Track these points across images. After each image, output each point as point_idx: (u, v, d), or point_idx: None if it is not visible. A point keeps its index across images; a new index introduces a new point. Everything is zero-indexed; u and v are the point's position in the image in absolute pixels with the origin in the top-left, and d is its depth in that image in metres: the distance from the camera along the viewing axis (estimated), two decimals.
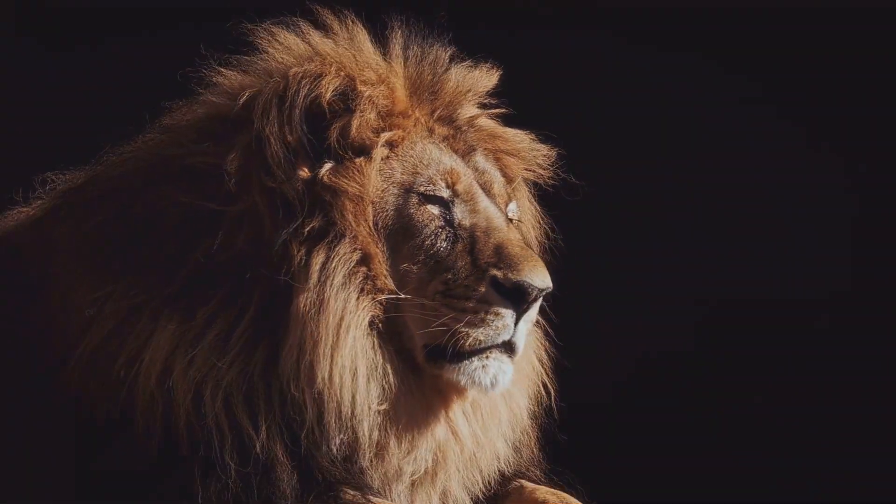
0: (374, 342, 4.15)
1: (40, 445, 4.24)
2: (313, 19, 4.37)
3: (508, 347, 4.14)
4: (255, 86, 4.20)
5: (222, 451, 4.08)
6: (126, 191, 4.29)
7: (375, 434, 4.14)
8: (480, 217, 4.22)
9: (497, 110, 4.59)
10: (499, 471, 4.47)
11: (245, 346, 4.11)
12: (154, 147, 4.38)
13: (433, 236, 4.17)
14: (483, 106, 4.56)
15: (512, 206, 4.46)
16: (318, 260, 4.08)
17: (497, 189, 4.37)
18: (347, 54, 4.26)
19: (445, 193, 4.23)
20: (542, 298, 4.16)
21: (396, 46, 4.37)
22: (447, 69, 4.39)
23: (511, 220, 4.41)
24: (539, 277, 4.09)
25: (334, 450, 4.12)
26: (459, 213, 4.22)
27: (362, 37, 4.38)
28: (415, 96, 4.34)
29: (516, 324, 4.11)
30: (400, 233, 4.18)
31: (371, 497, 4.16)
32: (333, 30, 4.37)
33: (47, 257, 4.36)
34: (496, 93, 4.58)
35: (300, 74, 4.12)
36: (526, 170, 4.59)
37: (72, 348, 4.20)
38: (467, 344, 4.08)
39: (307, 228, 4.10)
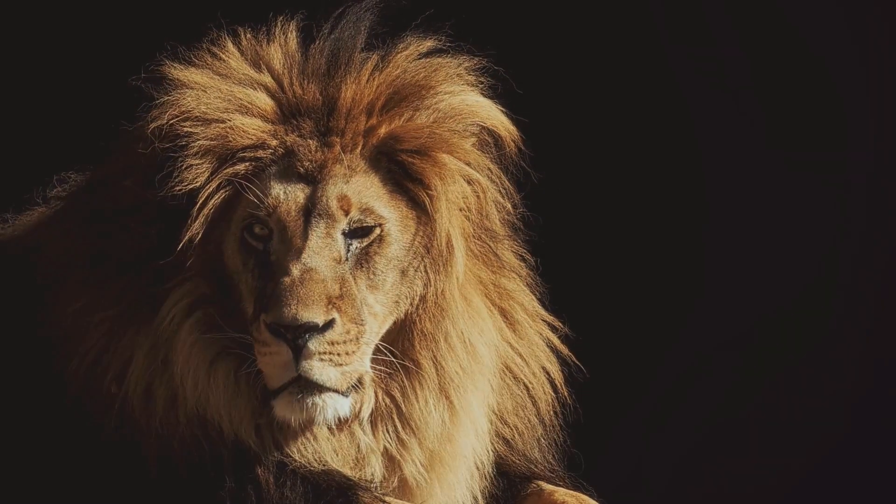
0: (224, 372, 4.16)
1: (46, 455, 4.28)
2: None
3: (308, 382, 4.04)
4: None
5: (202, 462, 4.12)
6: (102, 186, 4.35)
7: (280, 446, 4.17)
8: (282, 251, 4.10)
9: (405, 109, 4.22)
10: (496, 464, 4.42)
11: None
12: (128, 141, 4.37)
13: (250, 275, 4.14)
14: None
15: (354, 215, 4.13)
16: (169, 297, 4.17)
17: (323, 207, 4.10)
18: (204, 83, 4.20)
19: (261, 229, 4.14)
20: (321, 332, 4.00)
21: (307, 60, 4.24)
22: (343, 81, 4.19)
23: (370, 228, 4.14)
24: (289, 315, 3.96)
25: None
26: (272, 247, 4.12)
27: (273, 52, 4.27)
28: (294, 117, 4.20)
29: (298, 360, 4.02)
30: (238, 272, 4.17)
31: (388, 499, 4.16)
32: (273, 37, 4.30)
33: (49, 261, 4.40)
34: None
35: (142, 125, 4.17)
36: (437, 166, 4.19)
37: (69, 360, 4.27)
38: (270, 382, 4.08)
39: (163, 264, 4.15)
